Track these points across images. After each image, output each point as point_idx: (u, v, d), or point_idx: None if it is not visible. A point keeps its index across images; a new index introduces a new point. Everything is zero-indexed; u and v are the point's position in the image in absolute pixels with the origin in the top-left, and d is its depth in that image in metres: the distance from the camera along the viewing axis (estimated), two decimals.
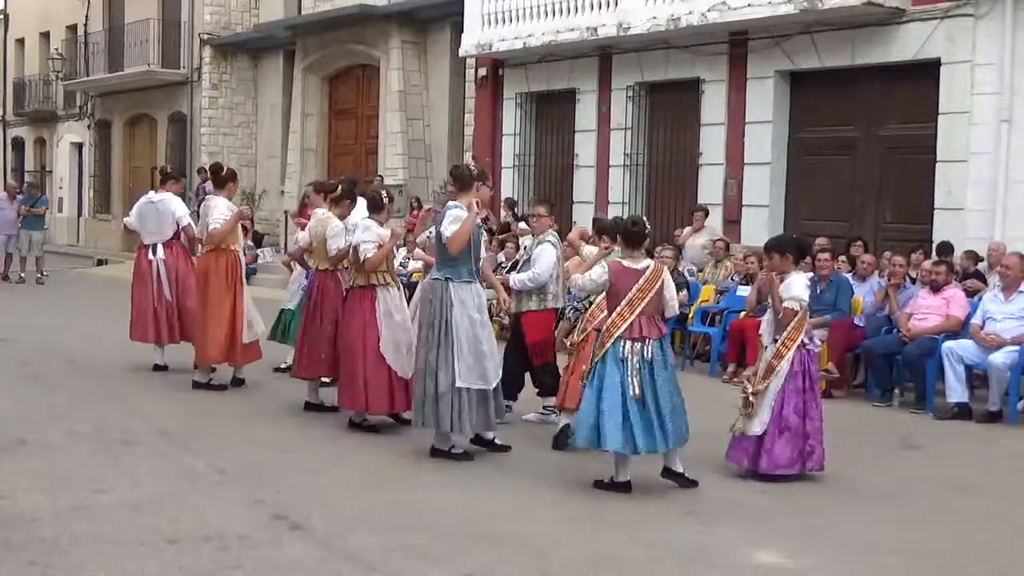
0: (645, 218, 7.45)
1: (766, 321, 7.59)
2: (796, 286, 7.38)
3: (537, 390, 9.12)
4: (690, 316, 12.68)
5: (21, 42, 37.42)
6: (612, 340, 6.94)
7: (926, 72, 13.68)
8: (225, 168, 10.72)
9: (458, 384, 7.54)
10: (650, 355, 6.92)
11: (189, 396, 9.94)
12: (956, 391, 9.90)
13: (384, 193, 8.81)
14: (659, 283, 7.01)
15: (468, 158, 20.57)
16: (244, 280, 10.36)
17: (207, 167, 21.15)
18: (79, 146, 34.45)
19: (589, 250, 8.40)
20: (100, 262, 28.19)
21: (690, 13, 15.58)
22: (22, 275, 21.02)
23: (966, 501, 7.21)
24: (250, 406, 9.57)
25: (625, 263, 7.10)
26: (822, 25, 14.67)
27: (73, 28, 33.58)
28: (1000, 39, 12.89)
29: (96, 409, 9.18)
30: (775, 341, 7.41)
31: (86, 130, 33.47)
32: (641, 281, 6.98)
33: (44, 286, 20.68)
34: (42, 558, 5.38)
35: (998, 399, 9.81)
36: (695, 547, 5.95)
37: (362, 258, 8.31)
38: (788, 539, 6.15)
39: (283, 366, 10.95)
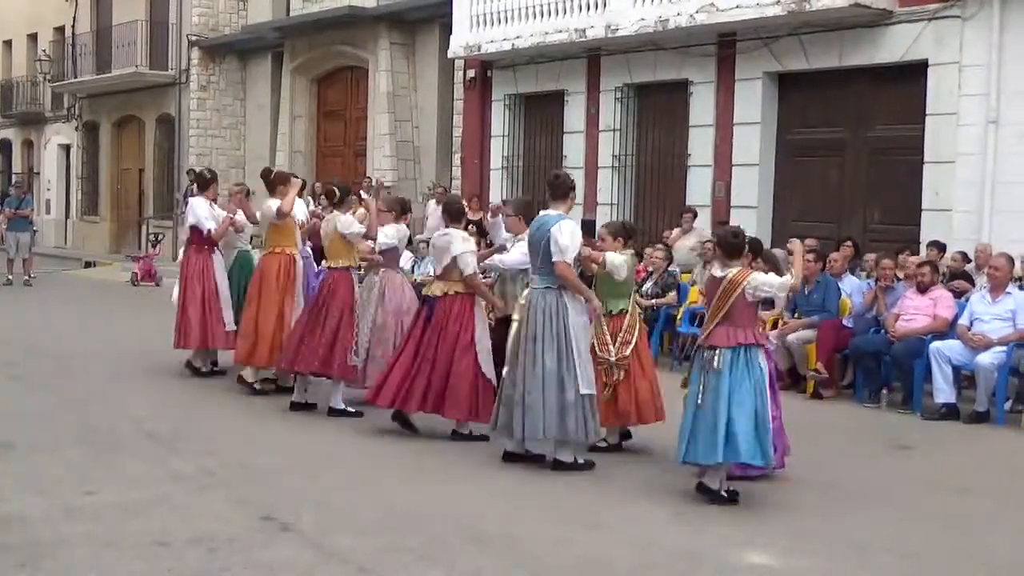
0: (743, 228, 7.38)
1: None
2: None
3: None
4: (679, 317, 12.71)
5: (8, 43, 37.29)
6: (695, 348, 7.02)
7: (914, 74, 13.73)
8: (204, 172, 11.06)
9: (583, 391, 7.47)
10: (720, 364, 6.79)
11: (177, 398, 9.92)
12: (944, 392, 9.93)
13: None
14: (737, 291, 6.84)
15: (457, 160, 20.61)
16: (298, 284, 10.18)
17: (195, 169, 21.22)
18: (67, 148, 34.35)
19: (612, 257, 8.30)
20: (88, 264, 28.12)
21: (678, 15, 15.61)
22: (10, 277, 20.95)
23: (955, 501, 7.24)
24: (238, 407, 9.55)
25: (714, 272, 7.06)
26: (810, 27, 14.71)
27: (61, 30, 33.48)
28: (987, 41, 12.94)
29: (84, 411, 9.17)
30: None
31: (74, 132, 33.37)
32: (719, 291, 6.92)
33: (32, 288, 20.61)
34: (31, 560, 5.37)
35: (985, 399, 9.85)
36: (686, 548, 5.96)
37: (466, 271, 8.26)
38: (778, 540, 6.17)
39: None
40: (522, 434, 7.56)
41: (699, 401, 6.81)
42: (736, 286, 6.83)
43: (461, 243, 8.34)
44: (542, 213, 7.79)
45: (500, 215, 9.48)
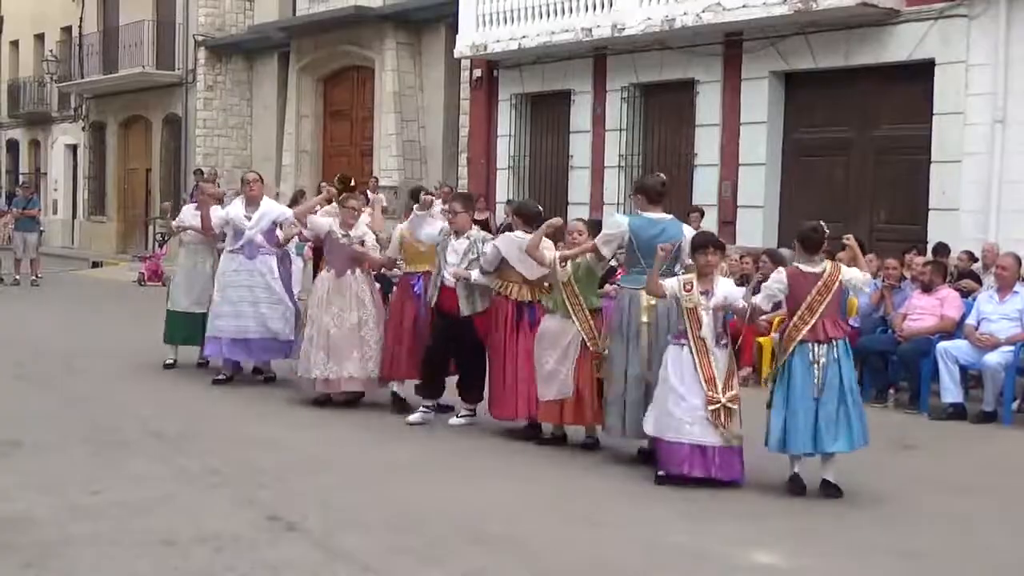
0: (823, 224, 7.43)
1: (707, 325, 7.38)
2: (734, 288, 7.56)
3: (463, 392, 9.01)
4: None
5: (16, 44, 37.40)
6: (795, 343, 7.03)
7: (920, 73, 13.73)
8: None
9: None
10: (837, 355, 7.03)
11: (183, 397, 9.92)
12: (951, 391, 9.91)
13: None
14: (837, 285, 7.11)
15: (463, 159, 20.61)
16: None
17: (203, 169, 21.24)
18: (73, 148, 34.43)
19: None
20: (95, 264, 28.17)
21: (685, 14, 15.60)
22: (17, 277, 20.99)
23: (961, 501, 7.21)
24: (243, 407, 9.55)
25: (802, 267, 7.18)
26: (816, 26, 14.70)
27: (68, 30, 33.56)
28: (994, 40, 12.93)
29: (90, 410, 9.17)
30: (726, 345, 7.39)
31: (81, 132, 33.45)
32: (820, 284, 7.07)
33: (39, 288, 20.65)
34: (37, 560, 5.37)
35: (992, 399, 9.83)
36: (691, 548, 5.94)
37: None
38: (784, 540, 6.15)
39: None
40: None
41: (816, 394, 6.96)
42: (835, 280, 7.11)
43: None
44: (654, 216, 7.79)
45: (429, 208, 9.32)
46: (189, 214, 11.45)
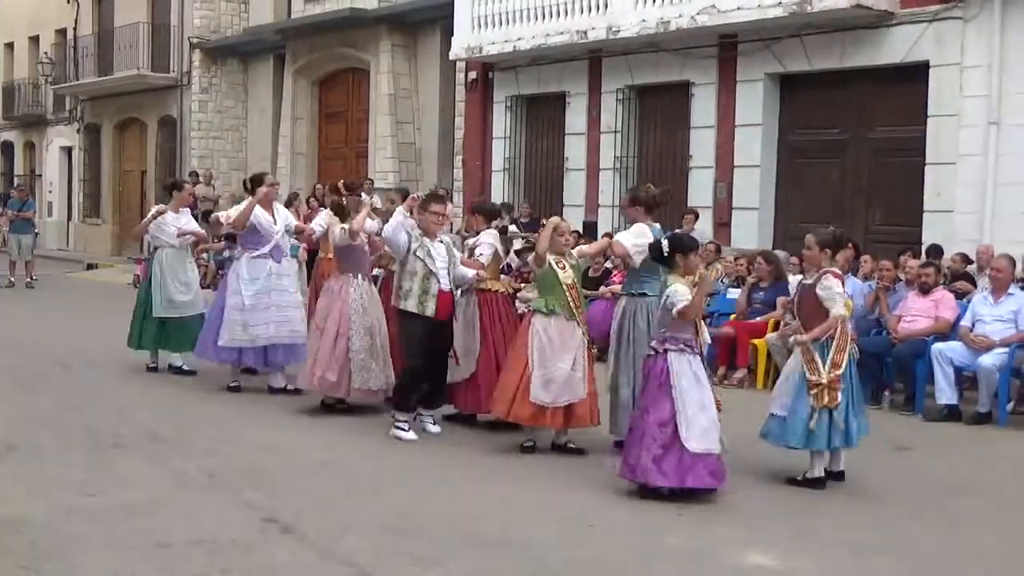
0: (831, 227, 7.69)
1: (706, 331, 7.39)
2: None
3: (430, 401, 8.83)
4: None
5: (10, 46, 37.31)
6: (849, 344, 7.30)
7: (915, 75, 13.75)
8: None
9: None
10: None
11: (179, 399, 9.92)
12: (945, 393, 9.93)
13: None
14: None
15: (458, 161, 20.61)
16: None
17: (198, 171, 21.11)
18: (68, 150, 34.37)
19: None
20: (90, 266, 28.15)
21: (680, 16, 15.62)
22: (12, 279, 20.97)
23: (956, 502, 7.24)
24: (239, 409, 9.55)
25: (836, 271, 7.40)
26: (811, 28, 14.72)
27: (63, 32, 33.51)
28: (988, 42, 12.96)
29: (86, 413, 9.16)
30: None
31: (76, 134, 33.39)
32: None
33: (34, 290, 20.63)
34: (33, 562, 5.37)
35: (987, 401, 9.85)
36: (687, 549, 5.96)
37: None
38: (779, 540, 6.16)
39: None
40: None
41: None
42: None
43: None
44: (657, 227, 8.00)
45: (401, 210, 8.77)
46: (170, 217, 11.26)
